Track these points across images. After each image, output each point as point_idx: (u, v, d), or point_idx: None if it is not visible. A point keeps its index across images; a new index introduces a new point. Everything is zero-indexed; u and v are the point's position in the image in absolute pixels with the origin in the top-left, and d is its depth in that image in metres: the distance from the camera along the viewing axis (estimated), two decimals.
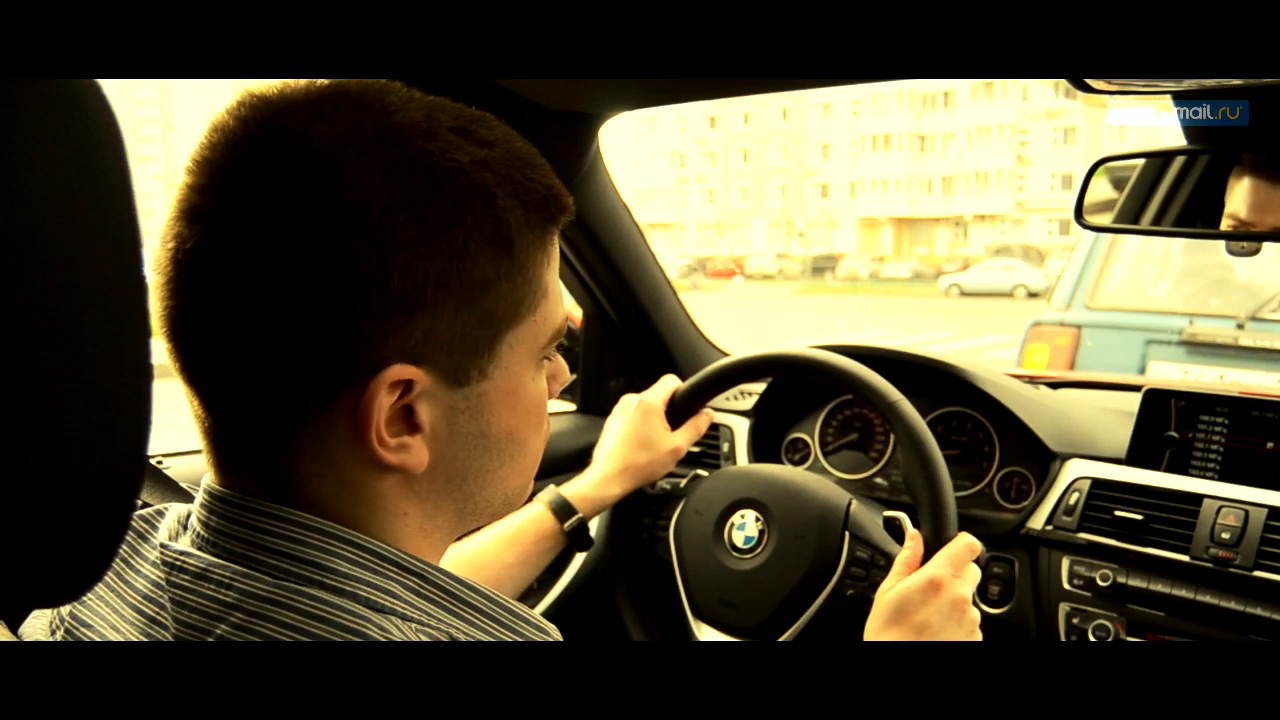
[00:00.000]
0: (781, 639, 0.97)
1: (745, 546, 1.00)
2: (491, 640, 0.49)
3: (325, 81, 0.46)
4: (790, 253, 40.16)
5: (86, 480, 0.30)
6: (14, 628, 0.49)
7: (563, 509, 1.00)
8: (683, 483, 1.12)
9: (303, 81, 0.46)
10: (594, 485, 1.04)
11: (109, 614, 0.48)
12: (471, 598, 0.49)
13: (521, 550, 0.97)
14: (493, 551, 0.94)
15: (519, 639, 0.50)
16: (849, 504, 1.00)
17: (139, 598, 0.48)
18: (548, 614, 1.25)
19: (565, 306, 0.54)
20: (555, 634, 0.53)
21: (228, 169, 0.43)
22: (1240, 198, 0.98)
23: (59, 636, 0.48)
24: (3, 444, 0.28)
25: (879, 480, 1.26)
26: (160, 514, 0.53)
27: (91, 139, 0.30)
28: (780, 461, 1.32)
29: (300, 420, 0.45)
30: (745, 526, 1.01)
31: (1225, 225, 1.00)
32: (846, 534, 0.97)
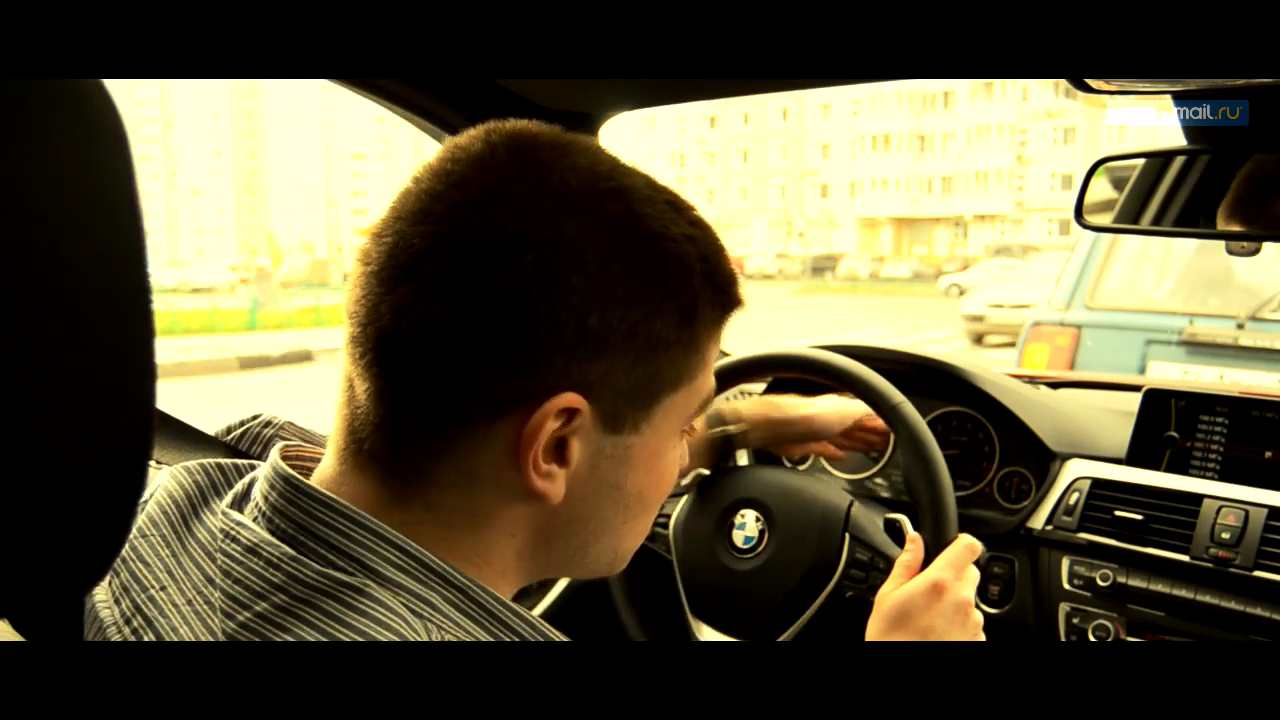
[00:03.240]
0: (781, 639, 0.97)
1: (745, 547, 1.00)
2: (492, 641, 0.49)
3: (565, 131, 0.50)
4: (790, 253, 40.15)
5: (90, 479, 0.30)
6: (18, 624, 0.49)
7: (714, 418, 1.05)
8: (683, 483, 1.12)
9: (545, 125, 0.50)
10: (762, 406, 1.10)
11: (166, 560, 0.50)
12: (513, 621, 0.49)
13: None
14: None
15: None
16: (849, 505, 1.00)
17: (198, 551, 0.50)
18: (547, 614, 1.25)
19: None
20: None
21: (468, 184, 0.46)
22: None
23: (116, 574, 0.50)
24: (7, 443, 0.28)
25: (879, 481, 1.26)
26: (239, 471, 0.55)
27: (96, 139, 0.30)
28: (781, 462, 1.32)
29: (462, 428, 0.47)
30: (745, 527, 1.01)
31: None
32: (847, 535, 0.97)
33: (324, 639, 0.42)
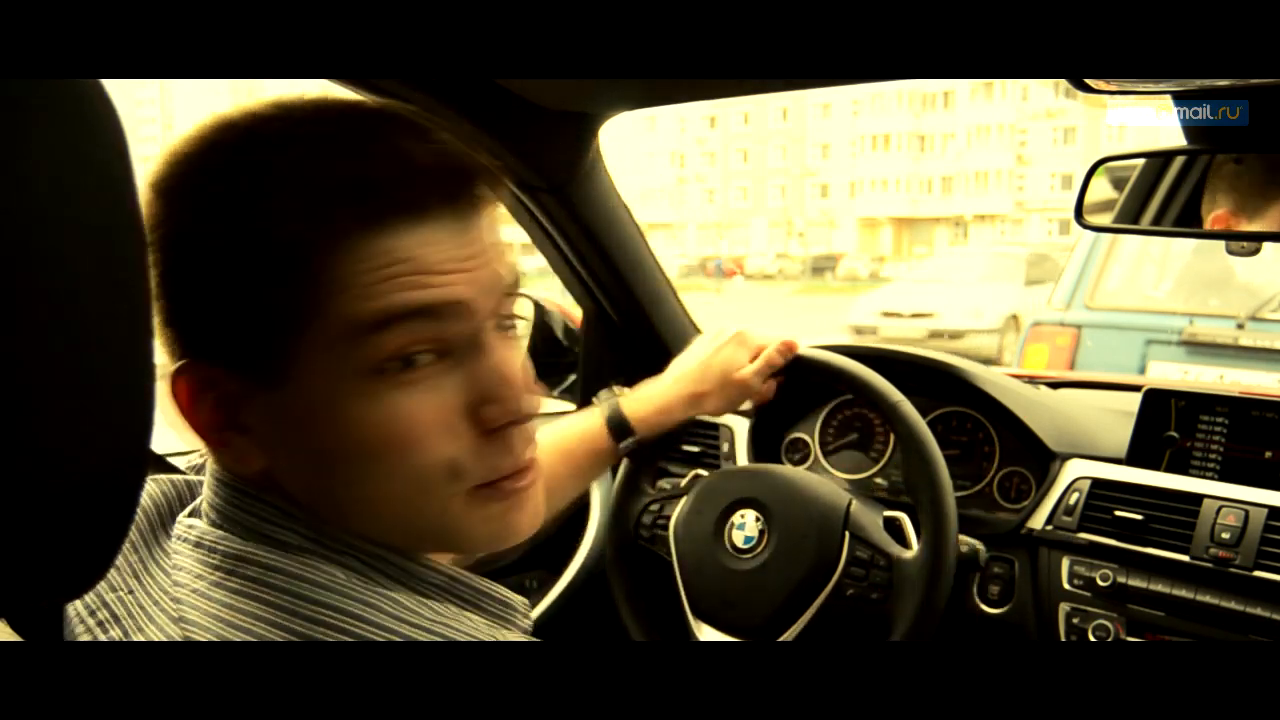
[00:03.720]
0: (782, 639, 0.97)
1: (745, 546, 1.00)
2: (455, 608, 0.49)
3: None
4: (790, 253, 40.13)
5: (90, 479, 0.30)
6: (17, 625, 0.49)
7: (620, 428, 1.00)
8: (683, 483, 1.12)
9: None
10: (658, 408, 1.03)
11: (135, 565, 0.51)
12: (427, 574, 0.50)
13: (575, 464, 0.98)
14: (545, 463, 0.93)
15: (482, 612, 0.51)
16: (849, 504, 1.00)
17: (165, 559, 0.51)
18: (548, 614, 1.25)
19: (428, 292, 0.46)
20: (511, 595, 0.53)
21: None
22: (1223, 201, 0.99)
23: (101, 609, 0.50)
24: (7, 443, 0.28)
25: (879, 480, 1.26)
26: (192, 489, 0.56)
27: (96, 139, 0.30)
28: (780, 462, 1.32)
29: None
30: (745, 526, 1.01)
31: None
32: (846, 534, 0.97)
33: (252, 603, 0.44)
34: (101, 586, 0.50)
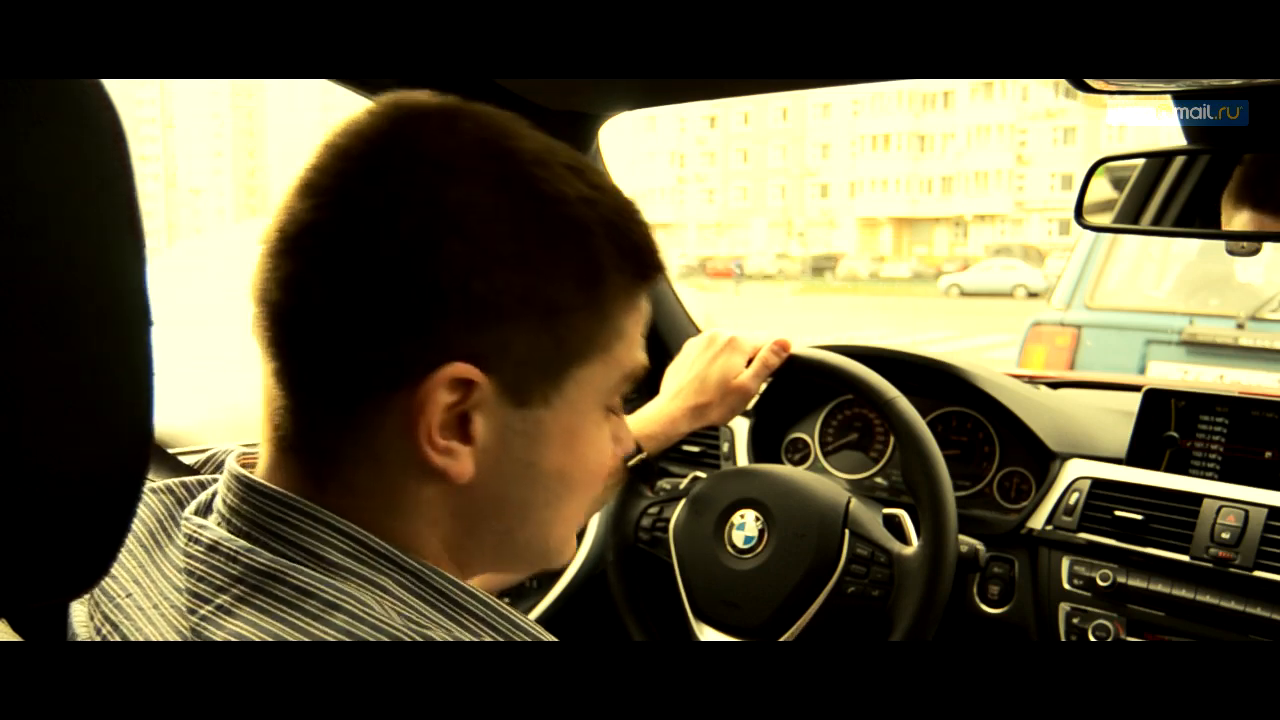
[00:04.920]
0: (783, 639, 0.97)
1: (745, 546, 1.00)
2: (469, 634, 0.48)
3: (459, 99, 0.48)
4: (790, 253, 40.16)
5: (90, 478, 0.30)
6: (17, 624, 0.49)
7: None
8: (682, 483, 1.12)
9: (438, 95, 0.48)
10: (662, 422, 1.02)
11: (133, 570, 0.50)
12: (469, 602, 0.48)
13: None
14: None
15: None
16: (848, 502, 1.00)
17: (165, 564, 0.49)
18: (547, 614, 1.25)
19: (641, 355, 0.53)
20: (542, 631, 0.53)
21: (350, 154, 0.46)
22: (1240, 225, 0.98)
23: (93, 600, 0.50)
24: (6, 441, 0.28)
25: (879, 480, 1.26)
26: (202, 485, 0.54)
27: (96, 139, 0.30)
28: (780, 461, 1.32)
29: (358, 404, 0.46)
30: (745, 526, 1.01)
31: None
32: (847, 532, 0.97)
33: (281, 626, 0.43)
34: (103, 599, 0.49)
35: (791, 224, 45.86)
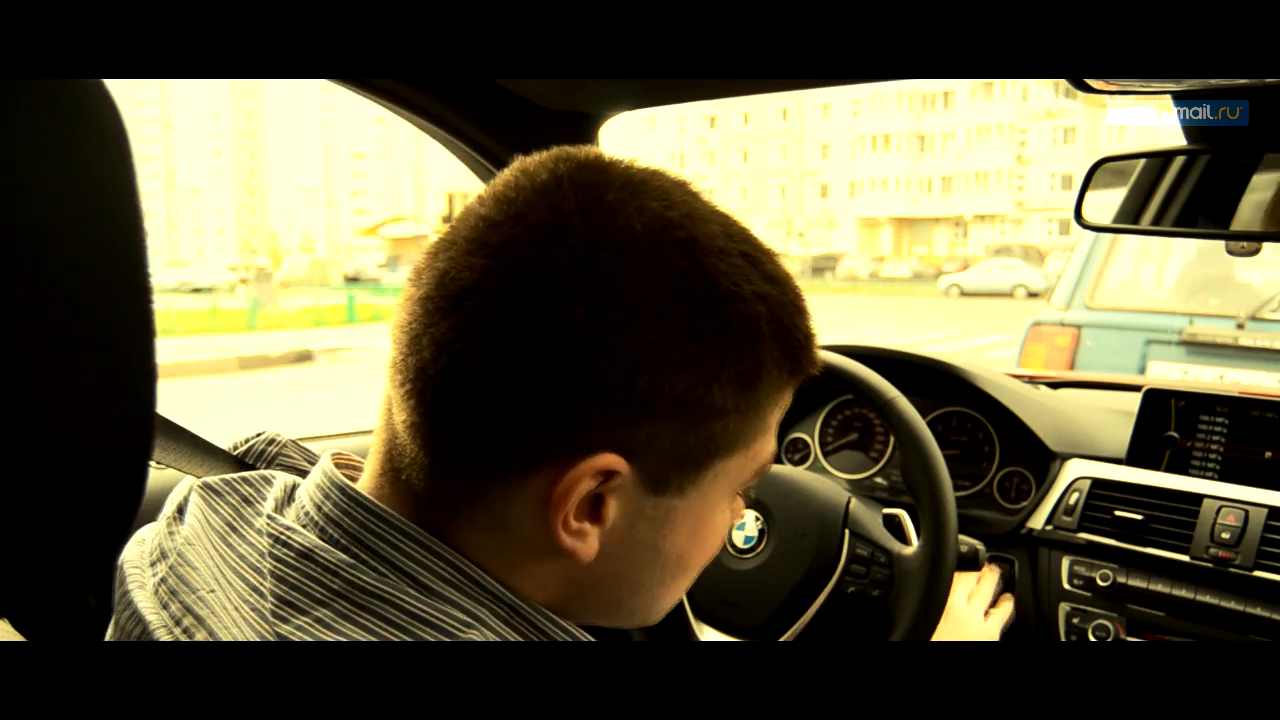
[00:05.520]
0: (783, 639, 0.97)
1: (745, 546, 1.00)
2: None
3: (642, 165, 0.48)
4: (790, 253, 40.12)
5: (90, 478, 0.30)
6: (17, 623, 0.49)
7: None
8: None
9: (620, 158, 0.48)
10: None
11: (213, 567, 0.48)
12: (558, 634, 0.48)
13: None
14: None
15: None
16: (848, 502, 1.00)
17: (240, 563, 0.48)
18: None
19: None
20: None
21: (527, 217, 0.44)
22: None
23: (164, 581, 0.48)
24: (7, 442, 0.28)
25: (879, 480, 1.26)
26: (267, 481, 0.53)
27: (96, 139, 0.30)
28: (780, 461, 1.32)
29: (497, 476, 0.45)
30: (745, 526, 1.01)
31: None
32: (847, 532, 0.97)
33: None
34: (183, 589, 0.48)
35: (791, 224, 45.84)
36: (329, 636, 0.42)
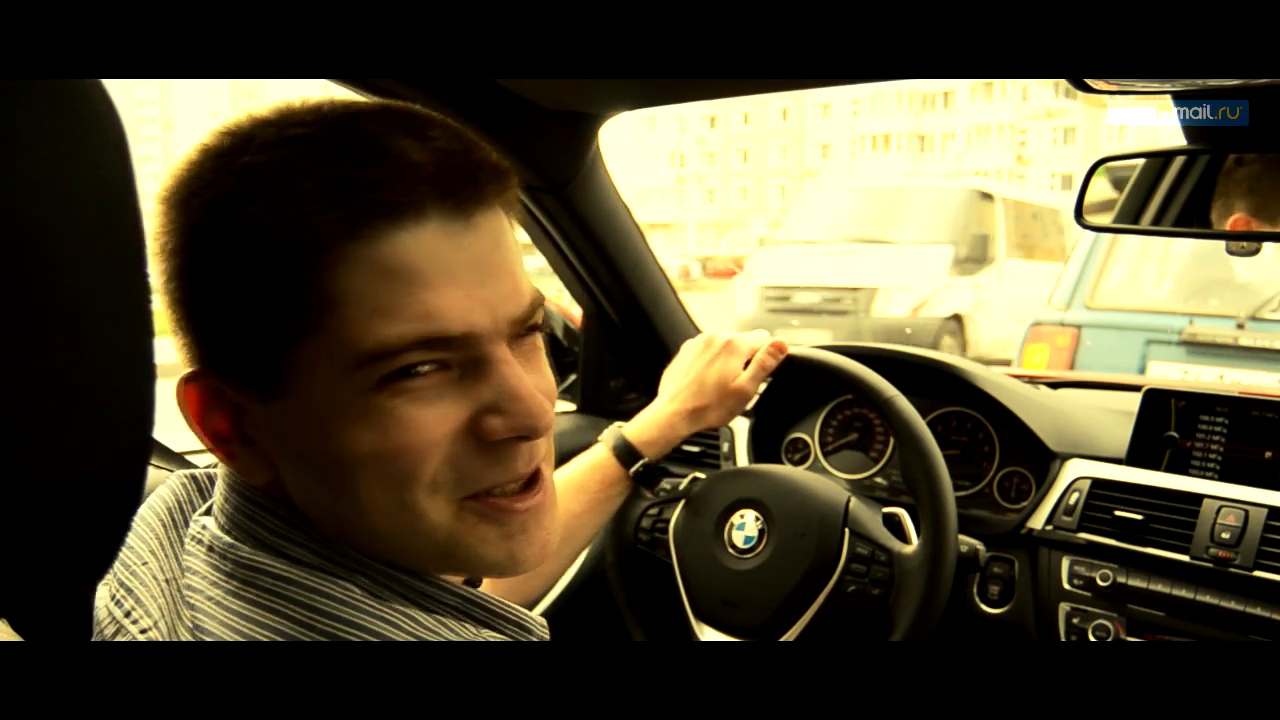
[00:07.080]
0: (784, 638, 0.97)
1: (745, 546, 1.00)
2: (472, 627, 0.50)
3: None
4: None
5: (89, 478, 0.30)
6: (16, 623, 0.49)
7: (627, 453, 0.98)
8: (682, 484, 1.12)
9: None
10: (660, 426, 1.01)
11: (152, 540, 0.51)
12: (436, 593, 0.50)
13: (590, 498, 0.97)
14: (561, 502, 0.91)
15: (498, 632, 0.51)
16: (848, 501, 1.00)
17: (179, 551, 0.51)
18: (548, 614, 1.25)
19: (443, 321, 0.44)
20: (528, 617, 0.53)
21: None
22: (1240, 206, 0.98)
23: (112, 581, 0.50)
24: (6, 442, 0.28)
25: (879, 480, 1.26)
26: (213, 482, 0.56)
27: (96, 139, 0.30)
28: (780, 461, 1.32)
29: None
30: (745, 526, 1.01)
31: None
32: (846, 531, 0.97)
33: (273, 618, 0.45)
34: (120, 569, 0.50)
35: None
36: (220, 614, 0.46)
